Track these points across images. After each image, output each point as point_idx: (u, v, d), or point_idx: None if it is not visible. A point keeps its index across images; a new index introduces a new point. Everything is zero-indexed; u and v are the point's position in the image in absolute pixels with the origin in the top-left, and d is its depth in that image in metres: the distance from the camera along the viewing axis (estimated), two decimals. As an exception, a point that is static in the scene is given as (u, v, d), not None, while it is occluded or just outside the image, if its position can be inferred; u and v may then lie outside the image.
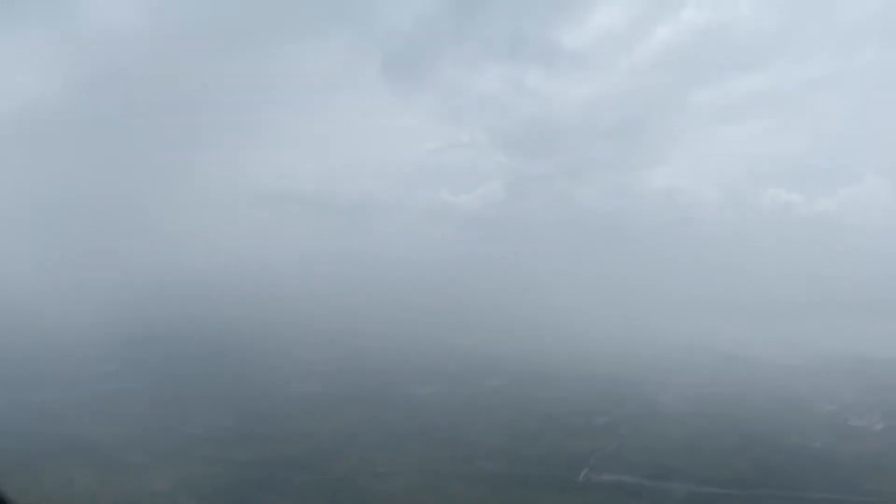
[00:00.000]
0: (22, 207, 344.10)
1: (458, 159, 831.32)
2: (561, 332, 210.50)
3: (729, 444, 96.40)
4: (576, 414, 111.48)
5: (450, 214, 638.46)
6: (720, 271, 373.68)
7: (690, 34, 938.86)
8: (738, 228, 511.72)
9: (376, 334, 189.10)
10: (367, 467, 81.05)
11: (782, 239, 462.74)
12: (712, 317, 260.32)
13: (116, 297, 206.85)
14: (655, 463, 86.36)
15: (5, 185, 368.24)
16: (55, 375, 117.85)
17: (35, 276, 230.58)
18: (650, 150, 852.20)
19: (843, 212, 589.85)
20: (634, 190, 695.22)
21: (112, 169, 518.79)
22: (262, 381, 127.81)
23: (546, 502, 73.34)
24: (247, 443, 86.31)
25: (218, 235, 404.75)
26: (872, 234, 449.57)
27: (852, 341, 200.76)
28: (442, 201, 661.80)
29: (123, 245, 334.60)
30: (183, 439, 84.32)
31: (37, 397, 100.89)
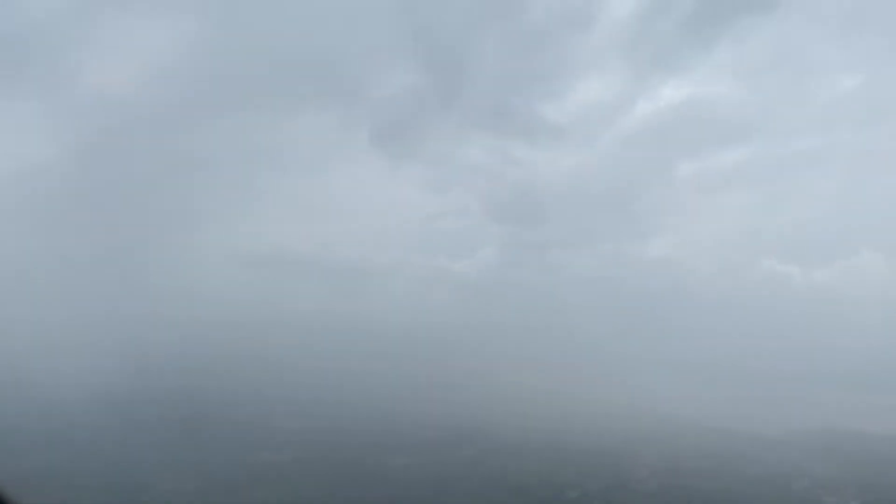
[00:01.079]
0: (17, 268, 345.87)
1: (452, 226, 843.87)
2: (544, 401, 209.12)
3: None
4: (547, 486, 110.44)
5: (446, 280, 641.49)
6: (711, 341, 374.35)
7: (671, 110, 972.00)
8: (733, 298, 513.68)
9: (359, 401, 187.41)
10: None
11: (776, 310, 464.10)
12: (697, 387, 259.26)
13: (100, 357, 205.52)
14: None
15: (7, 246, 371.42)
16: (21, 441, 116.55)
17: (24, 334, 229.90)
18: (642, 219, 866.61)
19: (840, 284, 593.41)
20: (629, 259, 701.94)
21: (109, 231, 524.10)
22: (232, 448, 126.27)
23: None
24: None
25: (212, 296, 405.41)
26: (868, 308, 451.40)
27: (832, 414, 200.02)
28: (438, 267, 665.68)
29: (115, 304, 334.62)
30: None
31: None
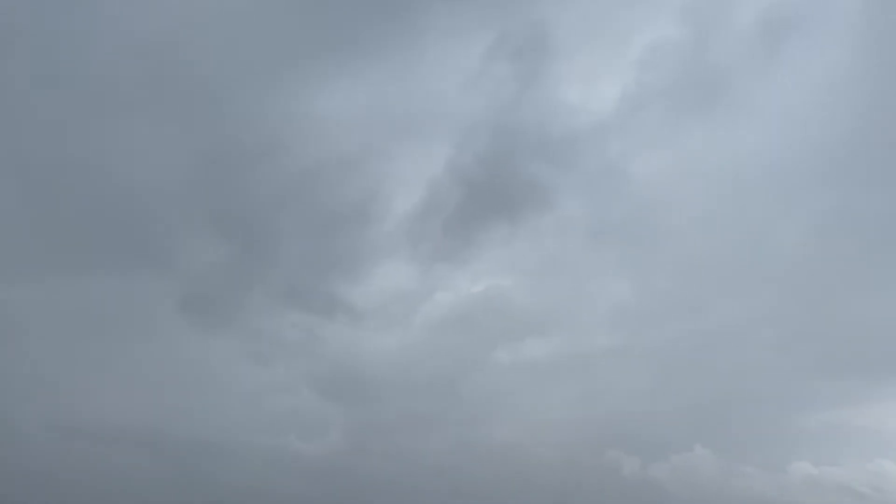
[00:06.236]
0: None
1: (283, 403, 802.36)
2: None
3: None
4: None
5: (291, 461, 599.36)
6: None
7: (469, 300, 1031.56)
8: (577, 488, 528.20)
9: None
10: None
11: (616, 501, 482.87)
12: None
13: None
14: None
15: None
16: None
17: None
18: (474, 404, 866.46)
19: (674, 479, 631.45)
20: (474, 444, 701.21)
21: None
22: None
23: None
24: None
25: (27, 473, 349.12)
26: (698, 501, 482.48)
27: None
28: (286, 447, 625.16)
29: None
30: None
31: None
